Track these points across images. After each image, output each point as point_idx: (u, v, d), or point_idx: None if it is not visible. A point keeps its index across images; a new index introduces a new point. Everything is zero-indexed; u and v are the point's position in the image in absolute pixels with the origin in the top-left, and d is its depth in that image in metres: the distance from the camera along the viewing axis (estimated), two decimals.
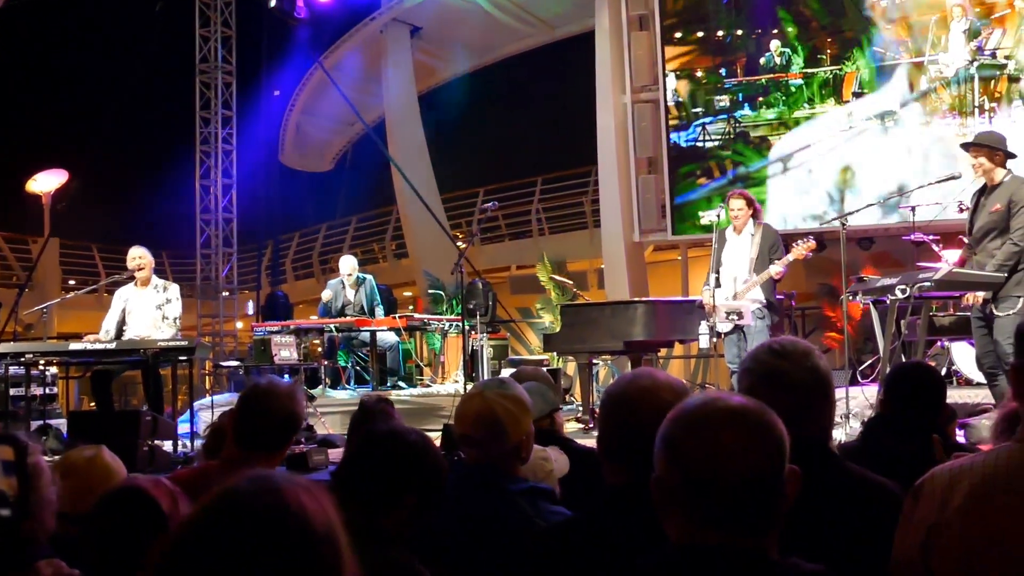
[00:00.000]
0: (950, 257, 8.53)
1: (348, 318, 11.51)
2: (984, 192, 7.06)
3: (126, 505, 2.52)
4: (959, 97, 12.08)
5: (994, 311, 6.77)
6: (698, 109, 13.84)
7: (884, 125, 12.55)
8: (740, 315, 8.29)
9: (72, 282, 22.98)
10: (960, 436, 5.74)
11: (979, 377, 7.78)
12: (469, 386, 8.57)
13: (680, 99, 13.92)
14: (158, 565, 1.31)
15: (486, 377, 11.14)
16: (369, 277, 12.12)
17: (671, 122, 13.94)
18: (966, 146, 7.15)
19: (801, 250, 8.38)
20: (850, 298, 7.95)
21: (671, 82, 13.94)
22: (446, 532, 2.85)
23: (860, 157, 12.78)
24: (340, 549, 1.35)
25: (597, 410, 9.41)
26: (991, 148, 6.96)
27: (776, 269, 8.34)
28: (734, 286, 8.47)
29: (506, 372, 11.34)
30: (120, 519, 2.50)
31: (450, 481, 3.06)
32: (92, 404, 11.03)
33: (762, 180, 13.40)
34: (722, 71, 13.77)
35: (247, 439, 3.43)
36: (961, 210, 10.24)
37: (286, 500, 1.33)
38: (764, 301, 8.42)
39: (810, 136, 13.14)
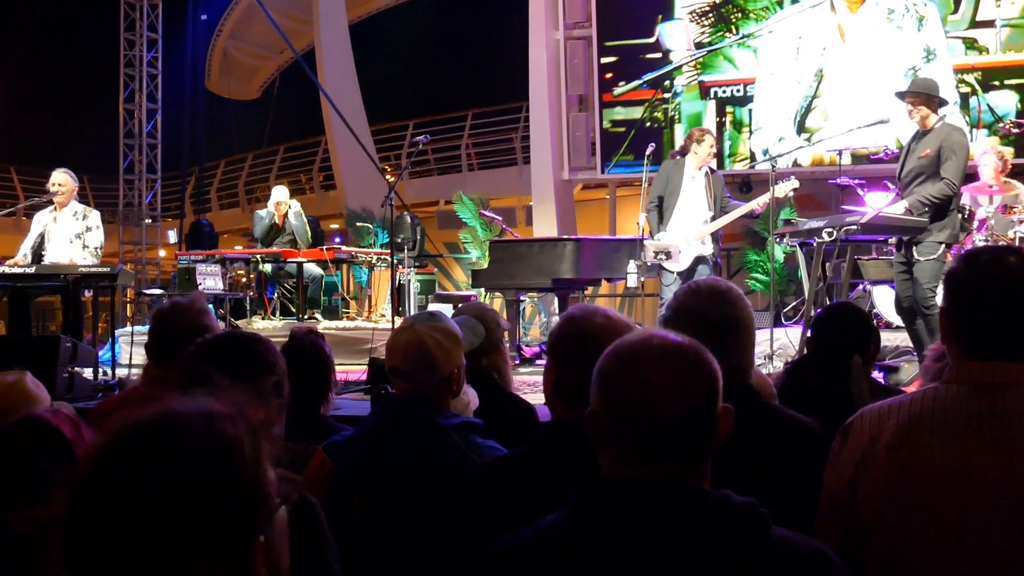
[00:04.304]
0: (873, 201, 8.63)
1: (275, 248, 11.39)
2: (916, 137, 7.15)
3: (25, 435, 2.50)
4: None
5: (915, 255, 6.89)
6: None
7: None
8: (668, 255, 8.29)
9: None
10: (880, 378, 5.85)
11: (899, 321, 7.92)
12: (398, 321, 8.52)
13: None
14: (83, 483, 1.27)
15: (413, 312, 11.10)
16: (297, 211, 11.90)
17: None
18: (902, 95, 7.21)
19: (785, 188, 8.31)
20: (776, 240, 8.01)
21: None
22: (378, 465, 2.84)
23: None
24: (264, 468, 1.34)
25: (526, 347, 9.51)
26: (928, 96, 7.06)
27: (762, 200, 8.28)
28: (688, 223, 8.41)
29: (433, 307, 11.32)
30: (21, 449, 2.48)
31: (380, 414, 3.07)
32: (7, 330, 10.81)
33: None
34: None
35: (164, 359, 3.42)
36: (887, 155, 10.37)
37: (212, 424, 1.31)
38: (713, 247, 8.43)
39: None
